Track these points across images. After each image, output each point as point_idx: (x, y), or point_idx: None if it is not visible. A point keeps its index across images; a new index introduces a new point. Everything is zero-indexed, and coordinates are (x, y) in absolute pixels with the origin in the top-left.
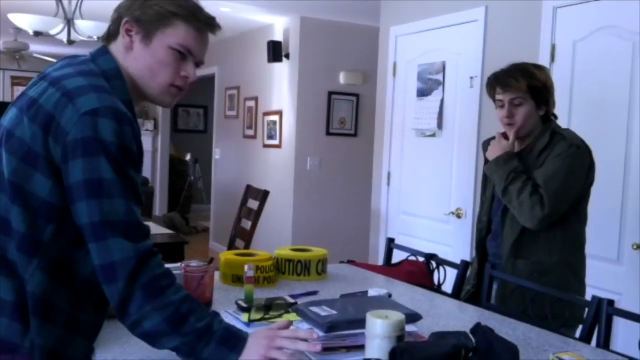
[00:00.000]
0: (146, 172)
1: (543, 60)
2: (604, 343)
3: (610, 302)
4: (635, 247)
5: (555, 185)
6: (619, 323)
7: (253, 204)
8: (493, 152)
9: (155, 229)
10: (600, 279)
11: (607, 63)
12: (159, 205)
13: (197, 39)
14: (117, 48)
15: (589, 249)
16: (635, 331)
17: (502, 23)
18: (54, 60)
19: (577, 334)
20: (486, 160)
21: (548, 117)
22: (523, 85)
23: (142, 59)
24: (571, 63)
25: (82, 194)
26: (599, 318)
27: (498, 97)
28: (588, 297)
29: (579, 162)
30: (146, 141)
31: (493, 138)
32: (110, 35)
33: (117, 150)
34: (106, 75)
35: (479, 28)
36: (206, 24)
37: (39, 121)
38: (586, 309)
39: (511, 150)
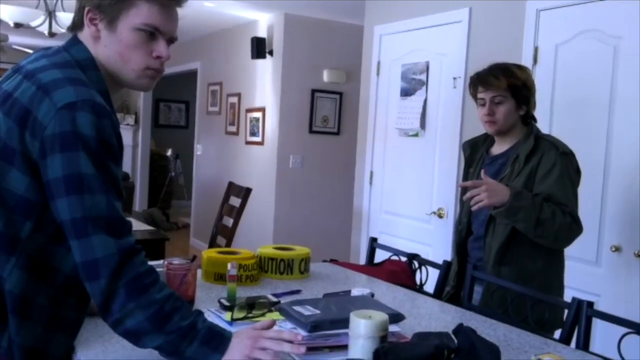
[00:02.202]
0: (126, 167)
1: (526, 62)
2: (584, 344)
3: (590, 304)
4: (613, 249)
5: (573, 200)
6: (597, 324)
7: (235, 201)
8: (495, 198)
9: (136, 224)
10: (579, 280)
11: (588, 66)
12: (139, 200)
13: (163, 15)
14: (85, 38)
15: (568, 250)
16: (614, 332)
17: (486, 25)
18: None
19: (556, 336)
20: (468, 210)
21: (528, 118)
22: (503, 83)
23: (111, 46)
24: (553, 65)
25: (62, 190)
26: (579, 320)
27: (480, 95)
28: (567, 298)
29: (573, 170)
30: (127, 136)
31: (473, 140)
32: (76, 25)
33: (96, 144)
34: (81, 65)
35: (462, 29)
36: None
37: (14, 116)
38: (566, 311)
39: (503, 185)
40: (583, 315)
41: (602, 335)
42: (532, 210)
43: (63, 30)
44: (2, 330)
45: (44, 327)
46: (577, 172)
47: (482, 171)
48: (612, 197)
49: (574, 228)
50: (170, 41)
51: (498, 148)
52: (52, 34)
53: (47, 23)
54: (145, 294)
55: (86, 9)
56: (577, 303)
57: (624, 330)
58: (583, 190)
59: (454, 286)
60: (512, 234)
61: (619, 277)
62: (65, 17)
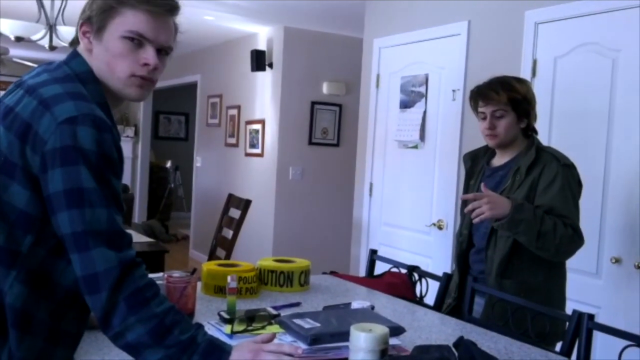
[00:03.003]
0: (126, 179)
1: (524, 75)
2: (584, 357)
3: (591, 317)
4: (614, 260)
5: (574, 212)
6: (598, 337)
7: (235, 213)
8: (496, 210)
9: (135, 236)
10: (580, 292)
11: (587, 79)
12: (139, 212)
13: (149, 22)
14: (82, 51)
15: (569, 262)
16: (614, 345)
17: (485, 38)
18: (35, 65)
19: (557, 349)
20: (469, 223)
21: (529, 131)
22: (504, 97)
23: (100, 56)
24: (552, 78)
25: (62, 204)
26: (580, 332)
27: (480, 109)
28: (568, 310)
29: (574, 182)
30: (126, 148)
31: (473, 152)
32: (75, 40)
33: (97, 158)
34: (81, 79)
35: (461, 42)
36: (155, 4)
37: (15, 130)
38: (567, 324)
39: (504, 197)
40: (583, 327)
41: (603, 347)
42: (533, 223)
43: (64, 44)
44: (2, 344)
45: (44, 341)
46: (579, 184)
47: (482, 184)
48: (611, 208)
49: (576, 240)
50: (163, 51)
51: (499, 160)
52: (52, 48)
53: (47, 37)
54: (146, 308)
55: (80, 22)
56: (578, 316)
57: (625, 342)
58: (583, 202)
59: (455, 298)
60: (514, 247)
61: (619, 288)
62: (66, 31)
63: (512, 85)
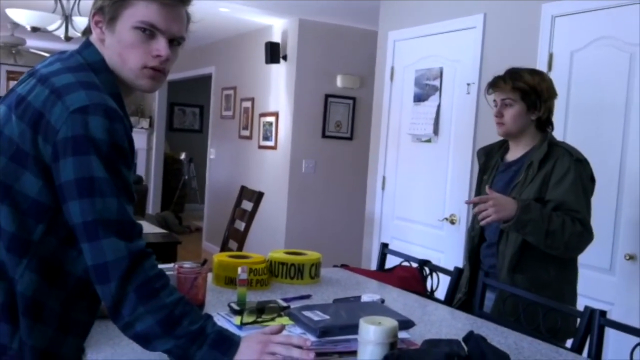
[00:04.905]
0: (140, 170)
1: (540, 68)
2: (596, 354)
3: (603, 313)
4: (627, 257)
5: (585, 207)
6: (610, 333)
7: (247, 205)
8: (503, 212)
9: (149, 228)
10: (593, 288)
11: (604, 73)
12: (153, 203)
13: (161, 12)
14: (95, 41)
15: (582, 258)
16: (626, 342)
17: (501, 31)
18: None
19: (568, 345)
20: (481, 227)
21: (542, 124)
22: (509, 86)
23: (112, 47)
24: (568, 72)
25: (73, 193)
26: (591, 329)
27: (492, 97)
28: (580, 307)
29: (586, 176)
30: (141, 139)
31: (487, 147)
32: (88, 29)
33: (108, 148)
34: (93, 68)
35: (477, 35)
36: None
37: (27, 119)
38: (578, 320)
39: (510, 197)
40: (595, 324)
41: (615, 344)
42: (541, 222)
43: (79, 35)
44: (13, 332)
45: (55, 329)
46: (591, 179)
47: (487, 186)
48: (626, 205)
49: (585, 236)
50: (175, 41)
51: (512, 155)
52: (68, 38)
53: (63, 27)
54: (155, 298)
55: (92, 12)
56: (590, 312)
57: (637, 340)
58: (597, 198)
59: (465, 293)
60: (525, 242)
61: (633, 285)
62: (81, 22)
63: (521, 75)
